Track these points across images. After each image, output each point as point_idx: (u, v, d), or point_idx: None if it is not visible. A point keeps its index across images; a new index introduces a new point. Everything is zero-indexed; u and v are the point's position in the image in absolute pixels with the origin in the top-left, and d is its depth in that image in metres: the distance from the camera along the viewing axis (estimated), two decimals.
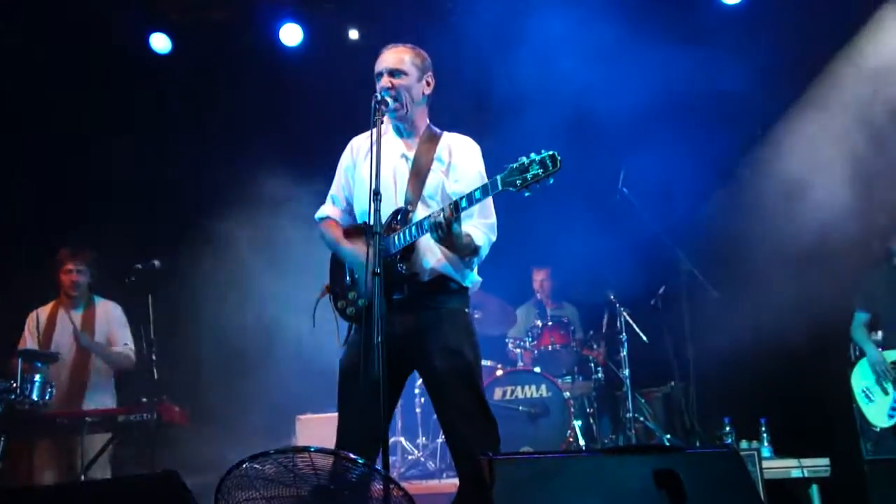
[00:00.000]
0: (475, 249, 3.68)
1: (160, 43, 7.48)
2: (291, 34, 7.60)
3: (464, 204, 3.42)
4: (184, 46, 7.55)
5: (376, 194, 3.36)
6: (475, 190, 3.41)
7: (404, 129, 3.87)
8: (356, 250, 3.74)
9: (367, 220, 3.42)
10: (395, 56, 3.81)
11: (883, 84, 6.77)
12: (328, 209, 4.01)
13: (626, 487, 3.20)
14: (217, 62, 7.65)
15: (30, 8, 6.97)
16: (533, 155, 3.26)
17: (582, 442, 6.76)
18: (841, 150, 6.81)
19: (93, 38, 7.23)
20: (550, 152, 3.23)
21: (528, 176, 3.25)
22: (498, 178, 3.34)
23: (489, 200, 3.73)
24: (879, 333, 5.88)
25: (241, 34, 7.67)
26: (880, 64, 6.81)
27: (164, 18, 7.43)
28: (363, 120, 3.64)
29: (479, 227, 3.71)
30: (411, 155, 3.82)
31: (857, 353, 5.99)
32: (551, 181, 3.24)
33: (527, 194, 3.29)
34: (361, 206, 3.85)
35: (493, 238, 3.78)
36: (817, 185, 6.90)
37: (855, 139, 6.73)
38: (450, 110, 4.66)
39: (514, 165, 3.29)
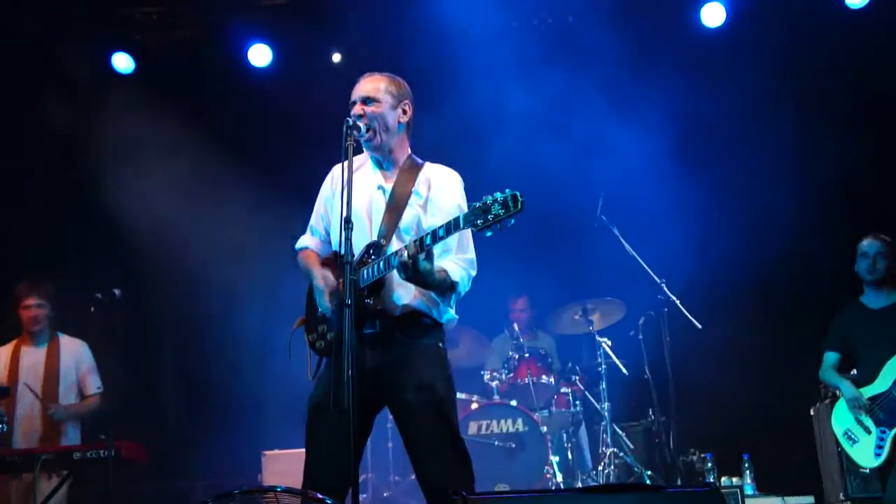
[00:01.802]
0: (452, 285, 3.62)
1: (122, 63, 7.45)
2: (260, 55, 7.61)
3: (428, 241, 3.37)
4: (148, 67, 7.53)
5: (347, 222, 3.32)
6: (440, 227, 3.36)
7: (382, 159, 3.83)
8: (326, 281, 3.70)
9: (337, 250, 3.39)
10: (369, 84, 3.80)
11: None
12: (307, 239, 3.97)
13: None
14: (183, 83, 7.62)
15: None
16: (497, 194, 3.20)
17: (560, 478, 6.72)
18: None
19: (55, 59, 7.17)
20: (512, 193, 3.17)
21: (490, 216, 3.19)
22: (460, 217, 3.30)
23: (468, 235, 3.70)
24: (854, 372, 5.89)
25: (208, 54, 7.66)
26: None
27: (128, 38, 7.39)
28: (335, 144, 3.63)
29: (457, 261, 3.66)
30: (389, 187, 3.77)
31: (832, 395, 6.00)
32: (512, 222, 3.18)
33: (488, 234, 3.23)
34: (336, 237, 3.75)
35: (473, 273, 3.72)
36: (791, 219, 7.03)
37: None
38: (428, 134, 4.66)
39: (477, 205, 3.23)
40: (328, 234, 3.93)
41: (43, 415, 5.90)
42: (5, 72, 7.07)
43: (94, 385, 6.12)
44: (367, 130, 3.70)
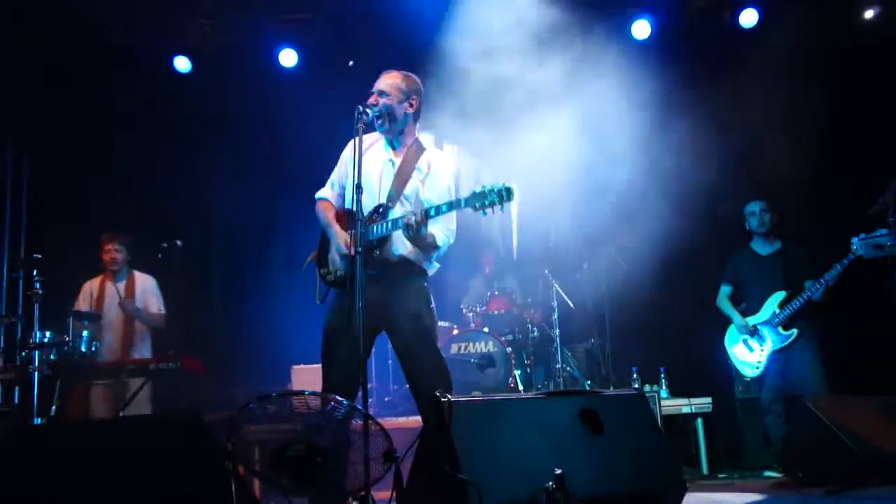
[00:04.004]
0: (436, 247, 3.83)
1: (182, 64, 7.35)
2: (288, 57, 7.49)
3: (432, 213, 3.57)
4: (201, 67, 7.42)
5: (359, 188, 3.45)
6: (443, 204, 3.59)
7: (392, 139, 3.98)
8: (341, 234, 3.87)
9: (351, 209, 3.47)
10: (385, 80, 3.91)
11: None
12: (326, 191, 4.08)
13: (557, 422, 3.31)
14: (227, 81, 7.51)
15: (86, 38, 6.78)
16: (494, 185, 3.39)
17: (521, 387, 6.83)
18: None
19: (126, 59, 7.05)
20: (507, 186, 3.36)
21: (486, 202, 3.39)
22: (462, 199, 3.50)
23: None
24: (743, 304, 6.01)
25: (245, 57, 7.50)
26: None
27: (184, 42, 7.26)
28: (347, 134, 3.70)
29: (443, 230, 3.85)
30: (397, 161, 3.90)
31: (726, 322, 6.12)
32: (503, 209, 3.39)
33: (483, 215, 3.45)
34: (349, 196, 3.95)
35: (451, 241, 3.95)
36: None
37: None
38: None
39: (477, 191, 3.43)
40: (343, 189, 4.02)
41: (123, 336, 6.08)
42: (89, 67, 6.96)
43: (155, 306, 6.33)
44: (377, 117, 3.86)
